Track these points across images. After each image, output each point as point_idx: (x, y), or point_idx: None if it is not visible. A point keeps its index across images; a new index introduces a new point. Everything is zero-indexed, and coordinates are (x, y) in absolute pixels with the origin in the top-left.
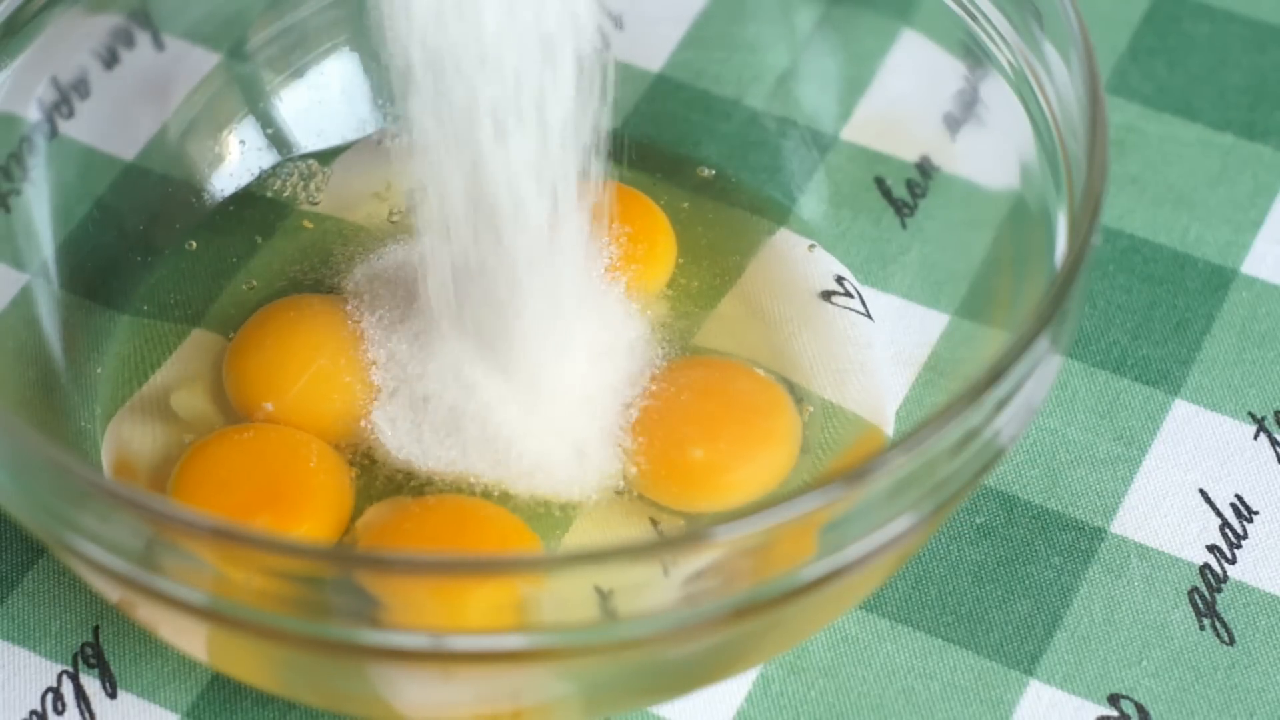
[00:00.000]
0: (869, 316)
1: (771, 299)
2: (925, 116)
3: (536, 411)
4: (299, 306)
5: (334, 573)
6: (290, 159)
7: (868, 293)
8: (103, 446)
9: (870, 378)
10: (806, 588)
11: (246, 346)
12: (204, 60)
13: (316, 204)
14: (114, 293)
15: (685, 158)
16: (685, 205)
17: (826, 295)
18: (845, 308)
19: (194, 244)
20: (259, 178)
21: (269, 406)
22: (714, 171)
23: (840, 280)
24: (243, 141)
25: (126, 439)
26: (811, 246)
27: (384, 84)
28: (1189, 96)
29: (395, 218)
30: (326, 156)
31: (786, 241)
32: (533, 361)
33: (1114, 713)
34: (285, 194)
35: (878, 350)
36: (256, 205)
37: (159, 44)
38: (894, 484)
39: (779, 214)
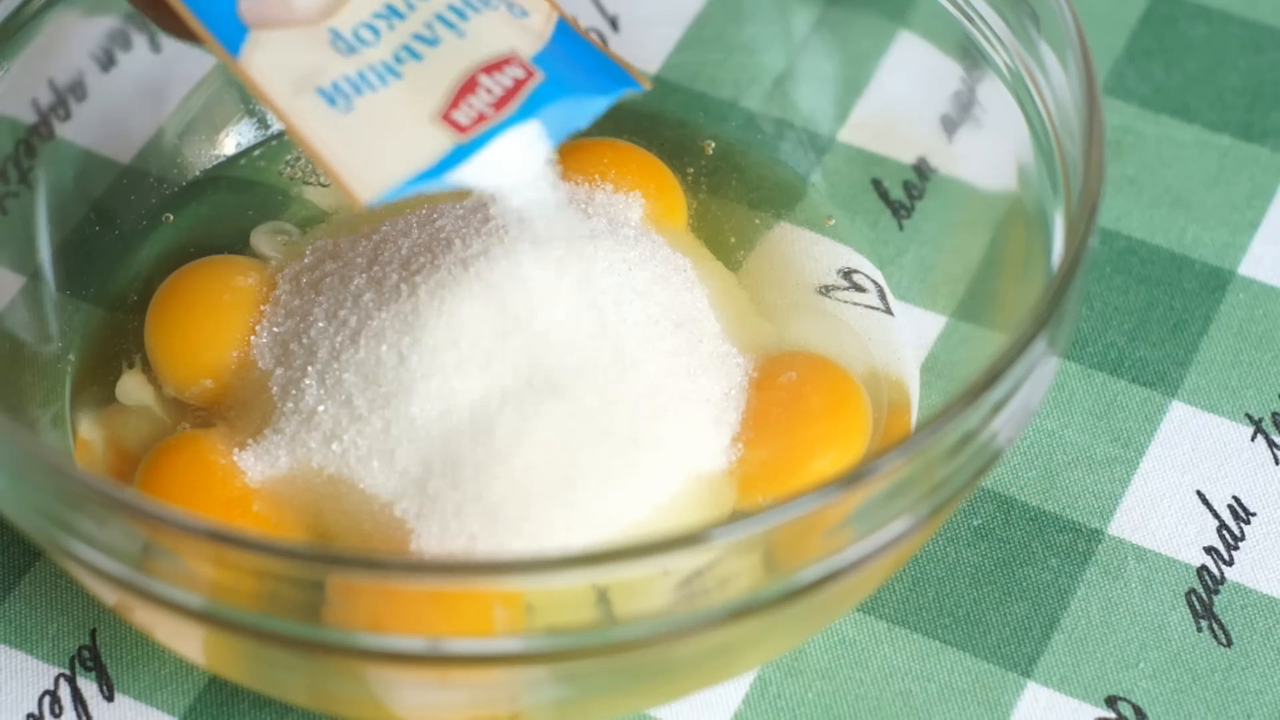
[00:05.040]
0: (888, 311)
1: (771, 291)
2: (922, 118)
3: None
4: (203, 274)
5: (329, 575)
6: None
7: (865, 296)
8: (98, 443)
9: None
10: (804, 590)
11: (165, 325)
12: (201, 62)
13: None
14: (111, 294)
15: (681, 156)
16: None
17: (825, 290)
18: (845, 302)
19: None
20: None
21: (208, 383)
22: (716, 145)
23: (848, 274)
24: (239, 144)
25: (118, 434)
26: (832, 219)
27: None
28: (1186, 98)
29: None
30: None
31: (787, 235)
32: None
33: (1111, 714)
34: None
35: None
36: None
37: (156, 46)
38: (891, 486)
39: (780, 207)
